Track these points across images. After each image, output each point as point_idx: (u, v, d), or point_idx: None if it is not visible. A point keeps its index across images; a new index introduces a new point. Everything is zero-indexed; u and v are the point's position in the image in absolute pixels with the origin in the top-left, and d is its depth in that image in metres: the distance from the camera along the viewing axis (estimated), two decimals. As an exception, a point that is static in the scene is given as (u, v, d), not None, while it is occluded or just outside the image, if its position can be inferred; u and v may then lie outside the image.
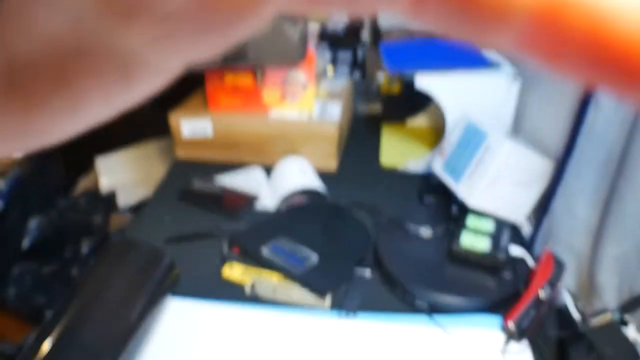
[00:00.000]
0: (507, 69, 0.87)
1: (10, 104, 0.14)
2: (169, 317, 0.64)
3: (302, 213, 0.80)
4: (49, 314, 0.56)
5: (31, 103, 0.14)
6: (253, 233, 0.76)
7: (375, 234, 0.76)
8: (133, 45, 0.13)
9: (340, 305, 0.66)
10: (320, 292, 0.66)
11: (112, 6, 0.12)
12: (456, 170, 0.78)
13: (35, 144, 0.16)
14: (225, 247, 0.75)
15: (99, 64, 0.13)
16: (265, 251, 0.72)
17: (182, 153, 1.00)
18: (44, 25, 0.13)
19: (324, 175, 0.89)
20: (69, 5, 0.12)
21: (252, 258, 0.72)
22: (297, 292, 0.67)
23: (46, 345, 0.52)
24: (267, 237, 0.74)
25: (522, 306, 0.62)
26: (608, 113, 0.66)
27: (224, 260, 0.73)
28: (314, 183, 0.85)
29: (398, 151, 1.01)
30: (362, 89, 1.20)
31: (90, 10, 0.12)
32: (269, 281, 0.69)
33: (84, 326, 0.55)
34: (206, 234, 0.78)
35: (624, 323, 0.58)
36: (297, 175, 0.86)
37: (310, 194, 0.83)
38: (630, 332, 0.57)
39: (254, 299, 0.67)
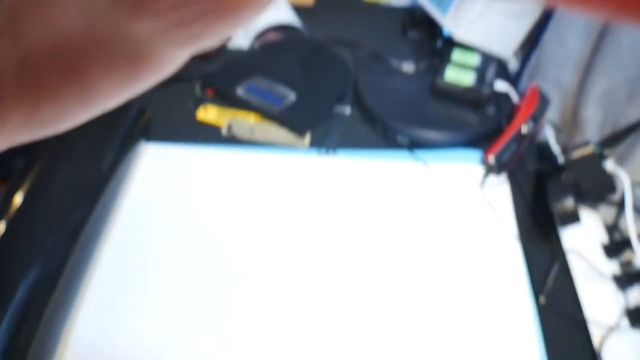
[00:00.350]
0: None
1: (21, 96, 0.14)
2: (144, 164, 0.62)
3: (277, 50, 0.75)
4: (18, 169, 0.53)
5: (42, 95, 0.14)
6: (227, 73, 0.72)
7: (356, 70, 0.72)
8: (142, 36, 0.13)
9: (320, 143, 0.64)
10: (299, 130, 0.64)
11: None
12: (443, 0, 0.72)
13: (44, 133, 0.16)
14: (197, 90, 0.71)
15: (108, 56, 0.14)
16: (241, 91, 0.68)
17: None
18: (57, 19, 0.13)
19: (299, 10, 0.82)
20: None
21: (227, 99, 0.69)
22: (276, 132, 0.65)
23: (17, 199, 0.50)
24: (241, 76, 0.70)
25: (504, 141, 0.61)
26: None
27: (197, 103, 0.69)
28: (289, 18, 0.79)
29: (381, -17, 0.93)
30: None
31: (100, 3, 0.12)
32: (246, 122, 0.66)
33: (55, 179, 0.53)
34: (176, 78, 0.73)
35: (604, 157, 0.58)
36: (270, 9, 0.79)
37: (285, 29, 0.77)
38: (608, 165, 0.57)
39: (231, 140, 0.65)
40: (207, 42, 0.14)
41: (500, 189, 0.60)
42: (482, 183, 0.60)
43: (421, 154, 0.63)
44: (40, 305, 0.45)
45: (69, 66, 0.14)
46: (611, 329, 0.49)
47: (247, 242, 0.56)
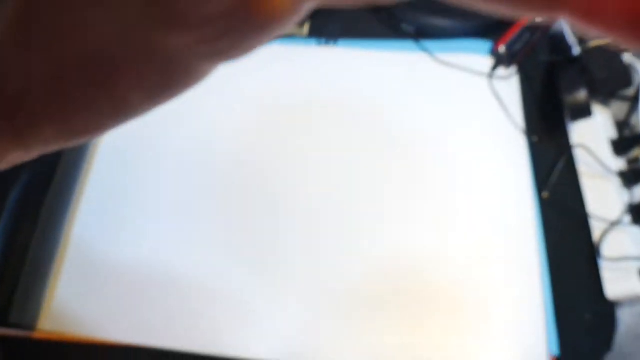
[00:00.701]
0: None
1: (53, 108, 0.14)
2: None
3: None
4: None
5: (73, 107, 0.14)
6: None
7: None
8: (172, 49, 0.13)
9: (320, 32, 0.60)
10: (297, 18, 0.60)
11: (156, 11, 0.12)
12: None
13: (78, 141, 0.16)
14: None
15: (140, 68, 0.14)
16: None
17: None
18: (89, 32, 0.13)
19: None
20: (116, 12, 0.12)
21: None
22: (272, 19, 0.60)
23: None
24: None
25: (516, 29, 0.58)
26: None
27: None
28: None
29: None
30: None
31: (135, 16, 0.12)
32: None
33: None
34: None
35: (623, 50, 0.55)
36: None
37: None
38: (626, 57, 0.54)
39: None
40: (236, 55, 0.14)
41: (509, 81, 0.58)
42: (491, 75, 0.58)
43: (428, 44, 0.59)
44: (36, 205, 0.44)
45: (100, 78, 0.14)
46: (612, 225, 0.49)
47: (244, 137, 0.54)
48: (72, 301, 0.46)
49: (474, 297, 0.46)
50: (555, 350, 0.44)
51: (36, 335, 0.44)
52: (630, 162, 0.53)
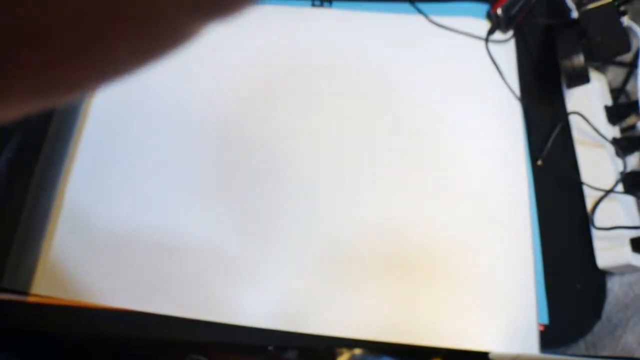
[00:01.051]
0: None
1: (37, 61, 0.14)
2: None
3: None
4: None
5: (58, 61, 0.14)
6: None
7: None
8: (164, 5, 0.13)
9: (313, -8, 0.58)
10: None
11: None
12: None
13: (57, 100, 0.15)
14: None
15: (129, 24, 0.13)
16: None
17: None
18: None
19: None
20: None
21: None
22: (264, -22, 0.58)
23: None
24: None
25: (515, -8, 0.56)
26: None
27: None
28: None
29: None
30: None
31: None
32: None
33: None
34: None
35: (622, 12, 0.53)
36: None
37: None
38: (625, 21, 0.53)
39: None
40: (228, 13, 0.14)
41: (506, 45, 0.57)
42: (487, 38, 0.56)
43: (423, 6, 0.58)
44: (27, 168, 0.44)
45: (87, 33, 0.13)
46: (605, 193, 0.49)
47: (237, 97, 0.53)
48: (66, 265, 0.45)
49: (465, 265, 0.46)
50: (545, 318, 0.45)
51: (30, 299, 0.44)
52: (625, 129, 0.52)
